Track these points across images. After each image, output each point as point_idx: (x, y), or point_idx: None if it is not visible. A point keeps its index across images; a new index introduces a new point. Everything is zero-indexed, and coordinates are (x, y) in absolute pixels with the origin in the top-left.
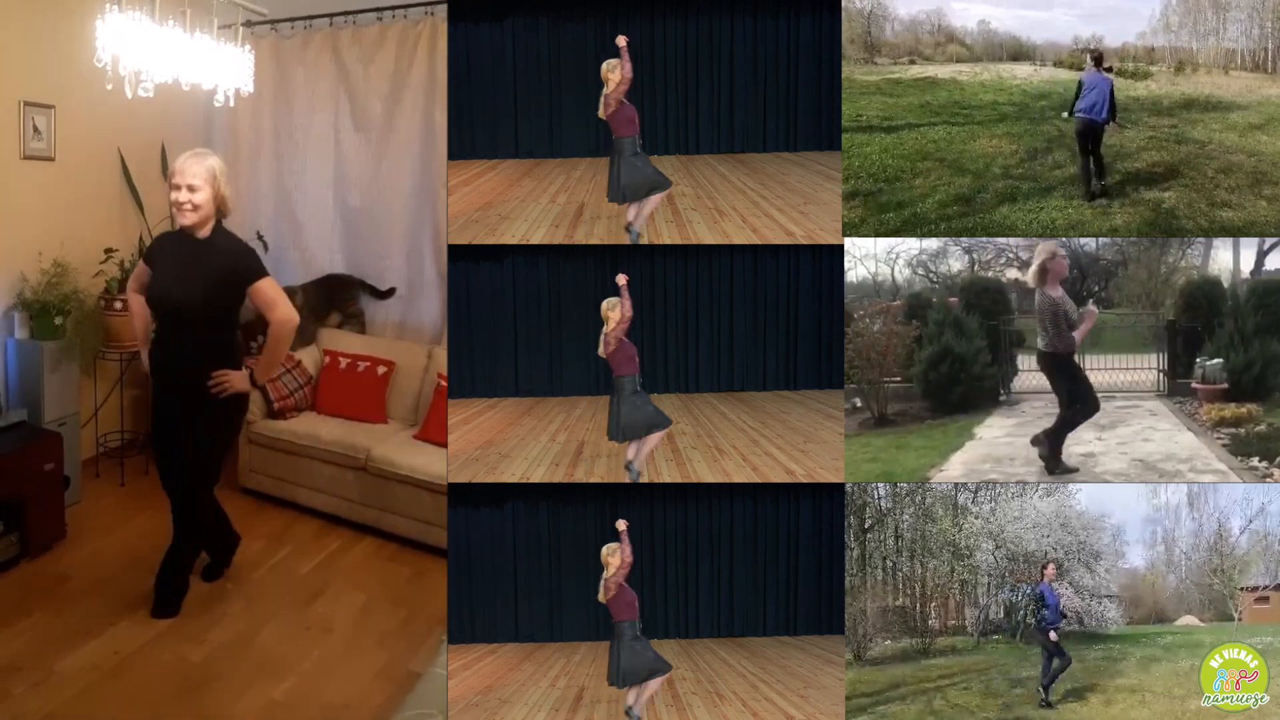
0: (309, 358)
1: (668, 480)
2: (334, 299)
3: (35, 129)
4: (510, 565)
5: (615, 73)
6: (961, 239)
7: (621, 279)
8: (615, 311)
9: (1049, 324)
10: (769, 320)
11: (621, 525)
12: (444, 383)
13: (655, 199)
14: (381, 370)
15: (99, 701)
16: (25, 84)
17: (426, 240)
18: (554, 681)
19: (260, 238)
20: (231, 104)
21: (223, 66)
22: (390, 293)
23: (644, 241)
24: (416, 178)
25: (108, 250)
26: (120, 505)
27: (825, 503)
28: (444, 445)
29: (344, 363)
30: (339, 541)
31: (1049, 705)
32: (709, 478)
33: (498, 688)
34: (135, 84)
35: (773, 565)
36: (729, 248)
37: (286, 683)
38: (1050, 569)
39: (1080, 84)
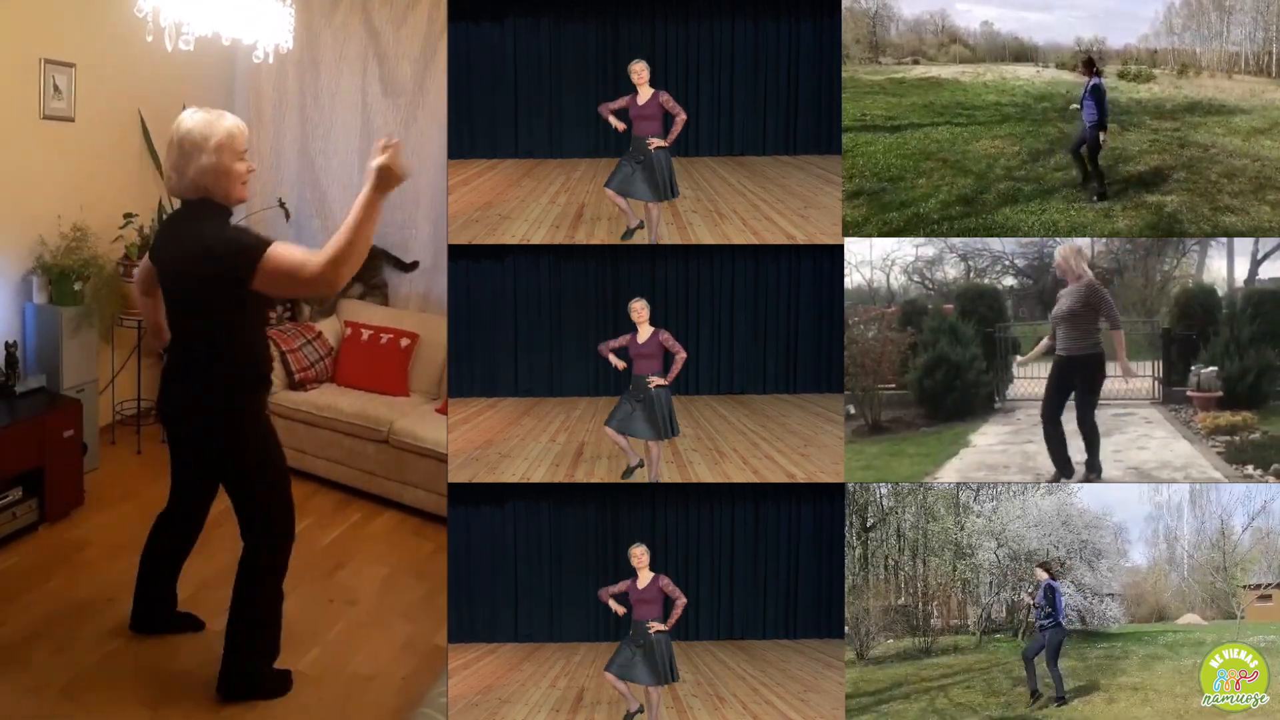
0: (330, 329)
1: (668, 482)
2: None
3: (55, 88)
4: (510, 565)
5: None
6: (957, 247)
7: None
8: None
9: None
10: (769, 323)
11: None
12: None
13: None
14: (405, 343)
15: (120, 669)
16: (46, 41)
17: None
18: (554, 682)
19: (282, 204)
20: (271, 60)
21: (264, 21)
22: (414, 265)
23: (644, 243)
24: (446, 146)
25: (127, 215)
26: (137, 472)
27: (825, 505)
28: None
29: (366, 334)
30: (360, 514)
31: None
32: (709, 479)
33: (498, 687)
34: (176, 36)
35: (773, 568)
36: (730, 249)
37: (310, 653)
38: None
39: (1095, 93)
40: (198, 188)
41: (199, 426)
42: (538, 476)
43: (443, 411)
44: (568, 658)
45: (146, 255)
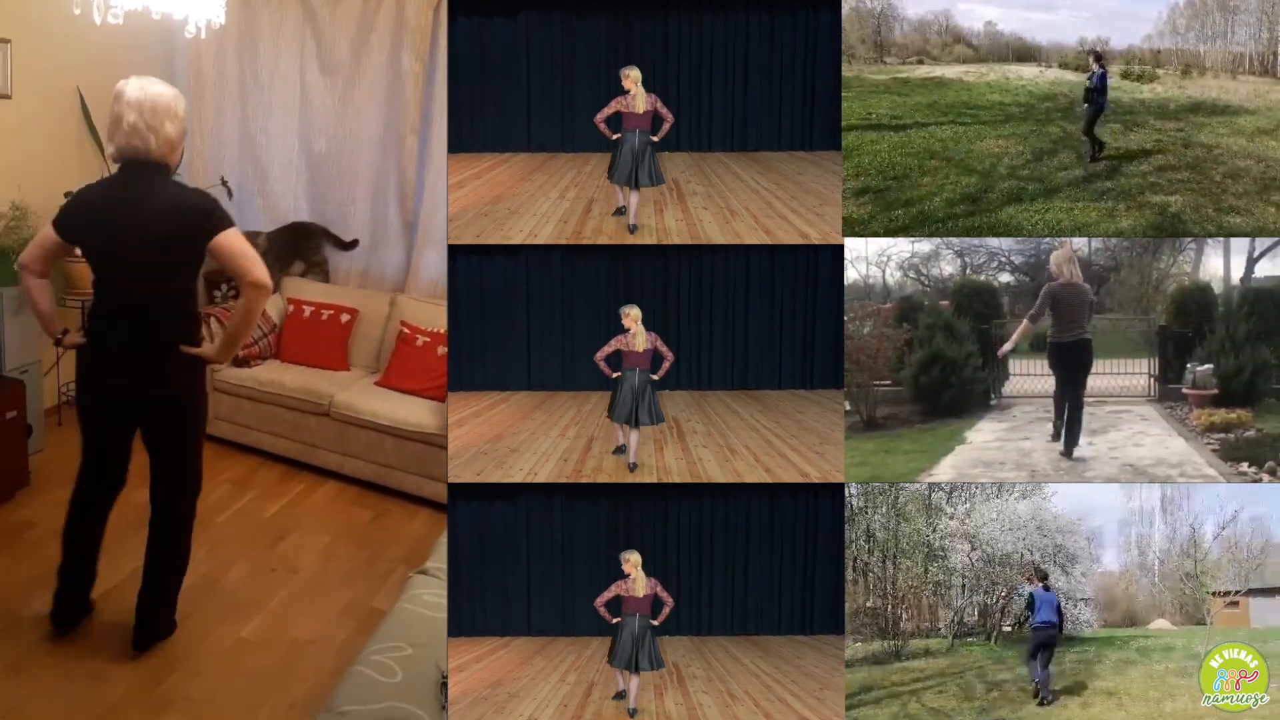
0: (273, 306)
1: (678, 480)
2: (299, 247)
3: None
4: (522, 559)
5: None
6: (953, 243)
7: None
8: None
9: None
10: (783, 319)
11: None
12: (406, 330)
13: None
14: (345, 318)
15: (67, 646)
16: None
17: (391, 187)
18: (564, 676)
19: (224, 183)
20: (203, 35)
21: None
22: (354, 244)
23: (655, 240)
24: (383, 123)
25: (67, 193)
26: None
27: (837, 503)
28: (406, 392)
29: (308, 311)
30: (302, 485)
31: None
32: (720, 477)
33: (507, 681)
34: (105, 10)
35: (787, 564)
36: (743, 245)
37: (253, 621)
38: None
39: (1094, 82)
40: (173, 150)
41: (166, 389)
42: (547, 470)
43: (382, 385)
44: (578, 652)
45: (53, 232)
